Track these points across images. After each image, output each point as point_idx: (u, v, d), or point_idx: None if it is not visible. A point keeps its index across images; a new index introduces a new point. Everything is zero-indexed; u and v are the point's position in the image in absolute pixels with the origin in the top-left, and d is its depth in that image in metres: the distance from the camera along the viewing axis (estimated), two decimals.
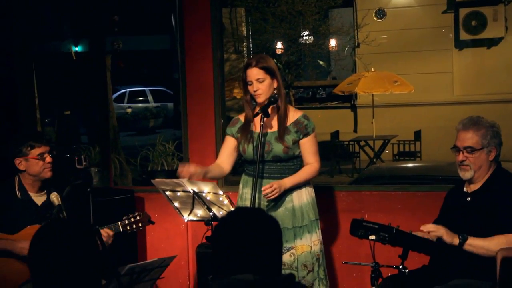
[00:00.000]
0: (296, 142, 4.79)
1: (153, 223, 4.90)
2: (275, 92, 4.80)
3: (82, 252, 2.49)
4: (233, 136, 4.97)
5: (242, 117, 4.97)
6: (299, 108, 5.14)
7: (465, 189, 4.44)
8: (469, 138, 4.30)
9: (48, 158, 4.76)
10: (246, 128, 4.89)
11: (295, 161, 4.83)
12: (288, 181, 4.74)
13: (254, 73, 4.76)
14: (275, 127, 4.82)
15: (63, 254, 2.47)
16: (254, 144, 4.80)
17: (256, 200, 4.81)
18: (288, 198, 4.80)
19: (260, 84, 4.76)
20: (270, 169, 4.82)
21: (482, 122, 4.33)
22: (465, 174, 4.35)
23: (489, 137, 4.28)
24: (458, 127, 4.37)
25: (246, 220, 2.64)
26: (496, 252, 4.09)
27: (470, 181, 4.39)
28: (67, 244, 2.49)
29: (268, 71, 4.77)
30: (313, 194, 4.90)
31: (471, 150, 4.29)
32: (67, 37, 25.26)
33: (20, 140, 4.81)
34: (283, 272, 4.61)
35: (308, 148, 4.82)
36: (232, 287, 2.46)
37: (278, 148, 4.76)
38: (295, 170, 4.82)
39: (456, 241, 4.17)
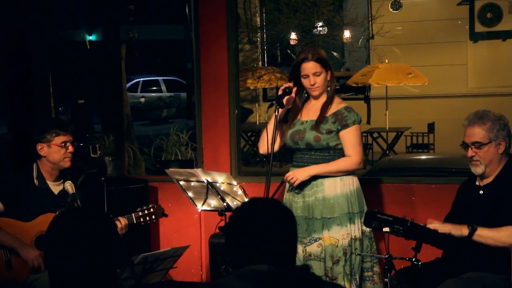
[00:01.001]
0: (331, 132, 4.71)
1: (166, 215, 4.89)
2: (329, 85, 4.80)
3: (97, 240, 2.50)
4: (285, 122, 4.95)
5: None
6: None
7: (477, 183, 4.43)
8: (476, 133, 4.29)
9: (71, 148, 4.75)
10: (291, 116, 4.88)
11: (331, 152, 4.74)
12: (314, 168, 4.70)
13: (311, 67, 4.72)
14: (315, 116, 4.78)
15: (77, 243, 2.48)
16: (291, 130, 4.81)
17: (290, 190, 4.85)
18: (319, 188, 4.72)
19: (317, 77, 4.73)
20: (303, 157, 4.79)
21: (487, 115, 4.31)
22: (477, 170, 4.34)
23: (495, 130, 4.26)
24: (465, 124, 4.36)
25: (260, 210, 2.64)
26: (506, 244, 4.09)
27: (483, 176, 4.38)
28: (82, 232, 2.50)
29: (323, 63, 4.75)
30: (352, 187, 4.75)
31: (479, 145, 4.28)
32: (81, 26, 25.33)
33: (45, 126, 4.81)
34: (310, 262, 4.63)
35: (347, 140, 4.73)
36: (246, 278, 2.47)
37: (309, 136, 4.72)
38: (329, 161, 4.75)
39: (465, 231, 4.16)
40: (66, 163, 4.76)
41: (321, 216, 4.70)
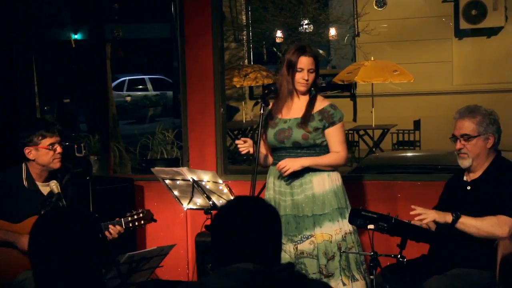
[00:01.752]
0: (318, 130, 4.72)
1: (155, 221, 4.85)
2: (313, 84, 4.80)
3: (81, 240, 2.49)
4: (264, 126, 4.90)
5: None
6: None
7: (465, 178, 4.46)
8: (466, 126, 4.33)
9: (59, 149, 4.70)
10: (273, 112, 4.86)
11: (317, 149, 4.76)
12: (306, 160, 4.70)
13: (309, 62, 4.72)
14: (299, 114, 4.78)
15: (62, 242, 2.47)
16: (275, 129, 4.78)
17: (276, 188, 4.82)
18: (308, 185, 4.72)
19: (310, 74, 4.74)
20: (289, 155, 4.76)
21: (478, 110, 4.35)
22: (464, 162, 4.37)
23: (485, 124, 4.30)
24: (455, 116, 4.40)
25: (245, 208, 2.64)
26: (489, 233, 4.13)
27: (470, 170, 4.40)
28: (67, 232, 2.49)
29: (316, 61, 4.78)
30: (338, 182, 4.79)
31: (467, 137, 4.31)
32: (66, 25, 25.24)
33: (31, 129, 4.74)
34: (303, 260, 4.63)
35: (334, 137, 4.77)
36: (231, 276, 2.47)
37: (297, 134, 4.71)
38: None
39: (449, 218, 4.19)
40: (56, 164, 4.72)
41: (312, 213, 4.70)
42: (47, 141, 4.67)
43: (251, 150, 4.75)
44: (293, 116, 4.78)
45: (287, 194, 4.77)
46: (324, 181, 4.74)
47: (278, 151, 4.81)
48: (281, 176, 4.76)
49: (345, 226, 4.71)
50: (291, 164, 4.67)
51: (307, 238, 4.70)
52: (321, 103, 4.80)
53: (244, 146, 4.77)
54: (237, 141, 4.86)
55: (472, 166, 4.36)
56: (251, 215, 2.60)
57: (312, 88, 4.81)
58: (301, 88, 4.76)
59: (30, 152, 4.68)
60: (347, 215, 4.65)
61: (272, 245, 2.61)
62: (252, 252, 2.53)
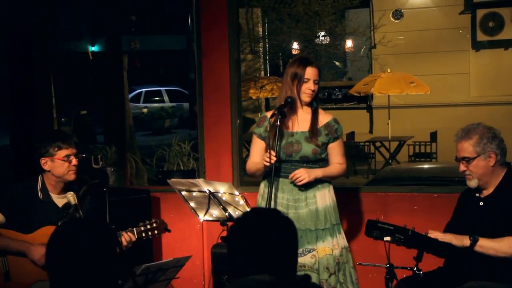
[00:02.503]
0: (324, 144, 4.78)
1: (169, 231, 4.85)
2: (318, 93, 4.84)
3: (99, 251, 2.50)
4: (260, 136, 4.91)
5: (269, 115, 4.87)
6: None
7: (477, 194, 4.43)
8: (464, 148, 4.31)
9: (74, 161, 4.70)
10: (274, 126, 4.83)
11: (321, 164, 4.80)
12: (319, 172, 4.74)
13: (315, 73, 4.76)
14: (305, 128, 4.80)
15: (80, 254, 2.48)
16: (282, 142, 4.78)
17: (279, 200, 4.81)
18: (312, 200, 4.75)
19: (316, 85, 4.77)
20: (295, 169, 4.75)
21: (474, 129, 4.31)
22: (470, 183, 4.35)
23: (482, 144, 4.26)
24: (454, 139, 4.39)
25: (261, 220, 2.64)
26: (508, 254, 4.10)
27: (479, 188, 4.38)
28: (84, 243, 2.50)
29: (320, 73, 4.82)
30: (334, 197, 4.87)
31: (467, 159, 4.29)
32: (84, 37, 25.39)
33: (48, 140, 4.75)
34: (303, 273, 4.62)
35: (337, 150, 4.85)
36: None
37: (308, 149, 4.74)
38: None
39: (466, 242, 4.16)
40: (71, 176, 4.72)
41: (315, 228, 4.74)
42: (62, 153, 4.68)
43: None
44: (299, 129, 4.81)
45: (291, 207, 4.78)
46: (326, 196, 4.81)
47: (283, 163, 4.79)
48: (284, 189, 4.77)
49: (340, 241, 4.80)
50: (307, 174, 4.68)
51: (309, 252, 4.73)
52: (324, 117, 4.84)
53: (273, 156, 4.70)
54: (270, 152, 4.71)
55: (481, 185, 4.34)
56: (268, 227, 2.61)
57: (314, 101, 4.83)
58: (307, 98, 4.78)
59: (46, 163, 4.70)
60: (341, 231, 4.81)
61: (288, 256, 2.61)
62: (268, 264, 2.54)
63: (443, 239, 4.14)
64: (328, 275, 4.70)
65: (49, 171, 4.71)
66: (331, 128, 4.80)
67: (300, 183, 4.69)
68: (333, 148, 4.82)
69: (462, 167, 4.34)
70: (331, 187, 4.86)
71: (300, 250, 4.71)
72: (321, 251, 4.71)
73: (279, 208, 4.79)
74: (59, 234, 2.57)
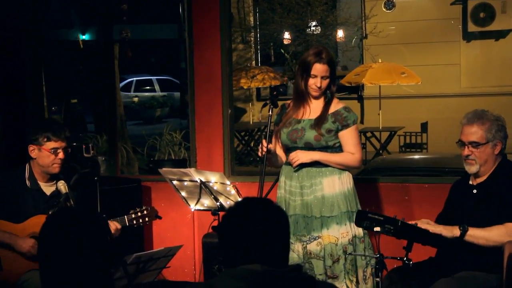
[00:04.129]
0: (331, 132, 4.73)
1: (160, 218, 4.87)
2: (329, 88, 4.81)
3: (90, 240, 2.50)
4: (277, 125, 4.92)
5: (286, 103, 4.91)
6: None
7: (470, 182, 4.45)
8: (474, 132, 4.29)
9: (61, 155, 4.69)
10: (287, 113, 4.86)
11: (329, 151, 4.74)
12: (317, 154, 4.70)
13: (323, 69, 4.72)
14: (314, 115, 4.78)
15: (70, 243, 2.47)
16: (288, 129, 4.78)
17: (287, 187, 4.81)
18: (318, 187, 4.72)
19: (324, 81, 4.75)
20: None
21: (486, 115, 4.31)
22: (471, 168, 4.35)
23: (493, 131, 4.27)
24: (463, 121, 4.36)
25: (253, 209, 2.64)
26: (498, 243, 4.12)
27: (476, 175, 4.39)
28: (75, 232, 2.50)
29: (332, 67, 4.77)
30: (349, 185, 4.77)
31: (476, 144, 4.28)
32: (74, 25, 25.29)
33: (39, 128, 4.74)
34: (311, 260, 4.63)
35: (347, 139, 4.77)
36: (239, 277, 2.47)
37: (310, 135, 4.72)
38: None
39: (456, 232, 4.18)
40: (55, 169, 4.71)
41: (320, 215, 4.70)
42: (51, 144, 4.67)
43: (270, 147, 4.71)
44: (308, 117, 4.79)
45: (297, 194, 4.77)
46: (335, 183, 4.73)
47: (290, 150, 4.80)
48: (292, 176, 4.77)
49: (352, 230, 4.70)
50: (301, 155, 4.69)
51: (315, 239, 4.70)
52: (335, 105, 4.81)
53: (265, 147, 4.69)
54: (262, 143, 4.72)
55: (479, 171, 4.35)
56: (259, 216, 2.60)
57: (328, 91, 4.81)
58: (313, 93, 4.78)
59: (33, 150, 4.70)
60: (350, 220, 4.69)
61: (280, 246, 2.61)
62: (260, 254, 2.54)
63: (434, 231, 4.16)
64: (332, 262, 4.67)
65: (35, 159, 4.71)
66: (340, 115, 4.76)
67: (294, 164, 4.69)
68: (342, 137, 4.76)
69: (466, 151, 4.33)
70: (344, 175, 4.76)
71: (306, 237, 4.72)
72: (326, 238, 4.68)
73: (287, 195, 4.82)
74: (50, 223, 2.57)
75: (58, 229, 2.51)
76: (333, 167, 4.74)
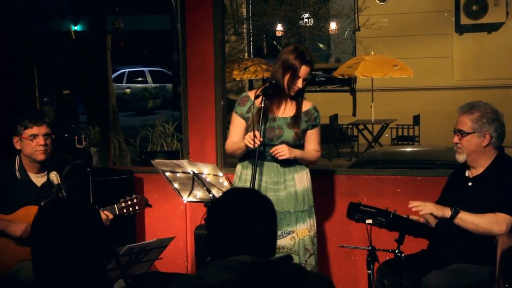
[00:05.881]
0: (304, 131, 4.85)
1: (150, 206, 4.87)
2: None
3: (82, 230, 2.50)
4: (242, 116, 4.91)
5: (252, 95, 4.90)
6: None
7: (466, 174, 4.47)
8: (462, 121, 4.35)
9: (41, 140, 4.65)
10: (260, 108, 4.84)
11: (299, 149, 4.84)
12: (298, 152, 4.78)
13: (307, 72, 4.77)
14: (287, 113, 4.83)
15: (63, 233, 2.47)
16: (264, 126, 4.79)
17: (259, 183, 4.84)
18: (290, 183, 4.81)
19: (304, 82, 4.79)
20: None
21: (479, 107, 4.34)
22: (458, 157, 4.41)
23: (481, 123, 4.29)
24: (458, 110, 4.42)
25: (240, 200, 2.64)
26: (486, 230, 4.15)
27: (471, 166, 4.41)
28: (67, 222, 2.50)
29: (312, 70, 4.82)
30: (310, 180, 4.94)
31: (462, 133, 4.34)
32: (66, 16, 25.21)
33: (18, 118, 4.75)
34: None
35: (314, 138, 4.91)
36: (229, 269, 2.47)
37: (289, 134, 4.77)
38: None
39: (447, 213, 4.20)
40: (39, 156, 4.68)
41: (294, 210, 4.80)
42: (28, 132, 4.65)
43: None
44: (282, 115, 4.83)
45: (270, 190, 4.81)
46: (303, 178, 4.87)
47: (266, 147, 4.79)
48: (265, 171, 4.80)
49: (314, 223, 4.92)
50: (287, 151, 4.71)
51: (288, 234, 4.79)
52: (305, 104, 4.89)
53: (258, 139, 4.67)
54: (254, 135, 4.67)
55: (468, 162, 4.37)
56: (246, 206, 2.59)
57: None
58: (292, 93, 4.81)
59: (17, 142, 4.70)
60: (314, 213, 4.88)
61: (268, 236, 2.61)
62: (248, 244, 2.53)
63: (424, 207, 4.18)
64: (308, 255, 4.80)
65: (21, 150, 4.70)
66: (311, 115, 4.86)
67: (280, 158, 4.72)
68: (310, 135, 4.88)
69: (455, 139, 4.39)
70: (307, 170, 4.92)
71: (279, 233, 4.75)
72: (301, 232, 4.80)
73: (261, 190, 4.81)
74: (43, 214, 2.56)
75: (50, 220, 2.51)
76: (302, 164, 4.87)
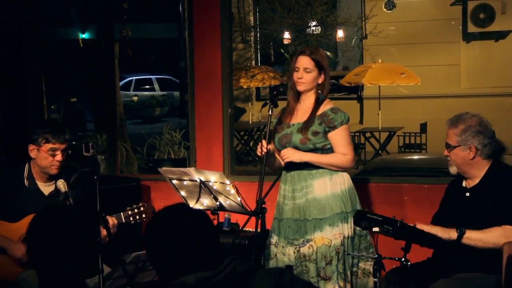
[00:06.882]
0: (318, 134, 4.70)
1: None
2: (319, 86, 4.78)
3: (83, 238, 2.50)
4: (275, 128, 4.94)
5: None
6: None
7: (463, 184, 4.45)
8: (449, 135, 4.38)
9: (59, 157, 4.67)
10: (282, 117, 4.89)
11: (319, 153, 4.72)
12: (307, 155, 4.69)
13: (305, 62, 4.73)
14: (301, 119, 4.79)
15: (64, 240, 2.48)
16: (280, 134, 4.81)
17: (282, 192, 4.86)
18: (309, 189, 4.72)
19: (306, 74, 4.73)
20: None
21: (464, 119, 4.33)
22: (450, 169, 4.44)
23: (465, 136, 4.29)
24: (446, 123, 4.45)
25: (173, 218, 2.58)
26: (495, 245, 4.12)
27: (467, 177, 4.41)
28: (69, 230, 2.50)
29: (318, 64, 4.75)
30: (343, 186, 4.74)
31: (448, 146, 4.37)
32: (74, 24, 25.28)
33: (40, 128, 4.72)
34: (306, 263, 4.62)
35: (337, 140, 4.74)
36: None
37: (296, 138, 4.72)
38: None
39: (453, 235, 4.18)
40: (53, 171, 4.70)
41: (312, 217, 4.70)
42: (48, 146, 4.65)
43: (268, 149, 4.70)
44: (297, 121, 4.80)
45: (289, 198, 4.79)
46: (326, 185, 4.72)
47: None
48: (286, 180, 4.81)
49: (345, 231, 4.68)
50: (292, 153, 4.69)
51: (308, 242, 4.71)
52: (324, 107, 4.78)
53: (264, 147, 4.68)
54: (261, 143, 4.69)
55: (460, 173, 4.39)
56: (181, 223, 2.55)
57: (319, 92, 4.79)
58: (299, 87, 4.77)
59: (33, 150, 4.69)
60: (350, 220, 4.65)
61: (209, 247, 2.55)
62: (191, 261, 2.49)
63: (430, 231, 4.16)
64: (325, 264, 4.66)
65: (34, 158, 4.70)
66: (326, 117, 4.72)
67: (285, 161, 4.70)
68: (332, 138, 4.73)
69: (445, 152, 4.41)
70: (337, 176, 4.73)
71: (299, 241, 4.73)
72: (319, 240, 4.67)
73: (280, 199, 4.87)
74: (41, 219, 2.56)
75: (51, 226, 2.51)
76: (324, 169, 4.73)
